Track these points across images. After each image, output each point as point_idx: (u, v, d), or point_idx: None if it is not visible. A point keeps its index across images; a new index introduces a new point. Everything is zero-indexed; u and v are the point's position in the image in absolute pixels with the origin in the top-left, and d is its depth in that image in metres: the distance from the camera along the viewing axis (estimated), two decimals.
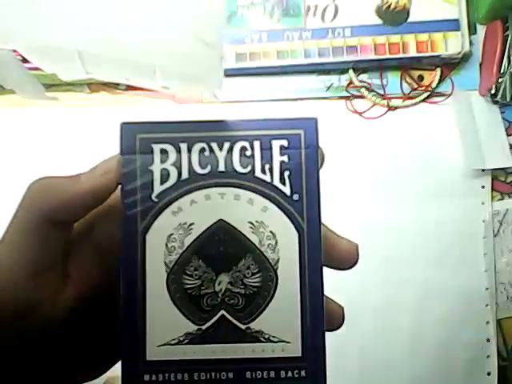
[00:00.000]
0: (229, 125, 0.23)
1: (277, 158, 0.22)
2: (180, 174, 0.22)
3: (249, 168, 0.22)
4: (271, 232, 0.22)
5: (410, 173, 0.55)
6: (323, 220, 0.22)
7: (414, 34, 0.53)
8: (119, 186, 0.23)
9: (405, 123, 0.56)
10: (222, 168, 0.22)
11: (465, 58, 0.55)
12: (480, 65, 0.56)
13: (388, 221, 0.55)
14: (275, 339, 0.22)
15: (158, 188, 0.22)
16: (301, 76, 0.56)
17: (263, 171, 0.22)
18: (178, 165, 0.22)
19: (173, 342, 0.22)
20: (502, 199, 0.55)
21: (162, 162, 0.22)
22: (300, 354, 0.22)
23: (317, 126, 0.23)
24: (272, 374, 0.22)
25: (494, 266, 0.54)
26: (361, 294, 0.53)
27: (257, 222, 0.22)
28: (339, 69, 0.56)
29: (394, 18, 0.54)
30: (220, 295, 0.22)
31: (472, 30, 0.55)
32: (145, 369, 0.21)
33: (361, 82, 0.56)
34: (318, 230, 0.22)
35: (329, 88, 0.56)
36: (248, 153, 0.22)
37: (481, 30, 0.56)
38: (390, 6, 0.54)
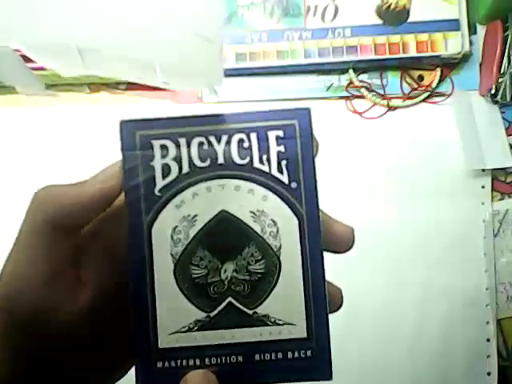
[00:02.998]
0: (226, 118, 0.23)
1: (273, 149, 0.23)
2: (181, 168, 0.23)
3: (247, 159, 0.23)
4: (272, 220, 0.23)
5: (410, 173, 0.55)
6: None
7: (414, 34, 0.53)
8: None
9: (405, 123, 0.56)
10: (221, 160, 0.23)
11: (465, 58, 0.55)
12: (480, 65, 0.56)
13: (388, 221, 0.55)
14: (281, 322, 0.23)
15: (160, 182, 0.23)
16: (301, 76, 0.56)
17: (261, 162, 0.23)
18: (178, 159, 0.23)
19: (183, 330, 0.22)
20: (502, 199, 0.55)
21: (163, 157, 0.23)
22: (306, 336, 0.23)
23: (310, 115, 0.23)
24: (280, 355, 0.23)
25: (494, 266, 0.54)
26: (361, 294, 0.53)
27: (258, 210, 0.23)
28: (339, 69, 0.56)
29: (394, 18, 0.54)
30: (226, 283, 0.23)
31: (472, 30, 0.55)
32: (158, 356, 0.22)
33: (361, 81, 0.56)
34: (316, 215, 0.23)
35: (329, 88, 0.56)
36: (246, 144, 0.23)
37: (481, 29, 0.56)
38: (390, 5, 0.54)
